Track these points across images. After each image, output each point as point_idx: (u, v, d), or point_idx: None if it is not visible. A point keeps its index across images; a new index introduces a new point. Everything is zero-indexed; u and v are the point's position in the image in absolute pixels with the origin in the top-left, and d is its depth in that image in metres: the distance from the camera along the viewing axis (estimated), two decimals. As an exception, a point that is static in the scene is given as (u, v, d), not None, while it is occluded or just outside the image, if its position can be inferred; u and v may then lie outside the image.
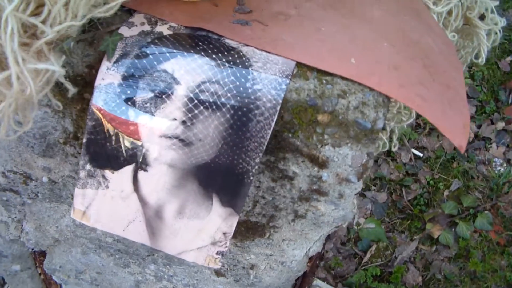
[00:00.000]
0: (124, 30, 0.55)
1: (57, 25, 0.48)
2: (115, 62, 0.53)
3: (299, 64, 0.54)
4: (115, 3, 0.49)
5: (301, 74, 0.53)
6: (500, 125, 2.10)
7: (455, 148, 2.04)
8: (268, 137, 0.52)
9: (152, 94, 0.53)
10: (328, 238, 1.88)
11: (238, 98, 0.52)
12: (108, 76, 0.53)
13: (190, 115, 0.52)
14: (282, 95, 0.51)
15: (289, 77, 0.52)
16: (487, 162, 2.02)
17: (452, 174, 1.95)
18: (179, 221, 0.57)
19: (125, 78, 0.53)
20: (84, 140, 0.56)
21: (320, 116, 0.53)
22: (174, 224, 0.57)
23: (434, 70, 0.60)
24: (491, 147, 2.06)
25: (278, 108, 0.51)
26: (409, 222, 1.87)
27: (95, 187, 0.58)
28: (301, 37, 0.56)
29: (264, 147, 0.52)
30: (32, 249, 0.89)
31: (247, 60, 0.53)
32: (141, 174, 0.56)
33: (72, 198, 0.61)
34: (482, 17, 0.84)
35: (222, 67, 0.52)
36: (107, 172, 0.56)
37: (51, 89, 0.55)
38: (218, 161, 0.53)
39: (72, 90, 0.54)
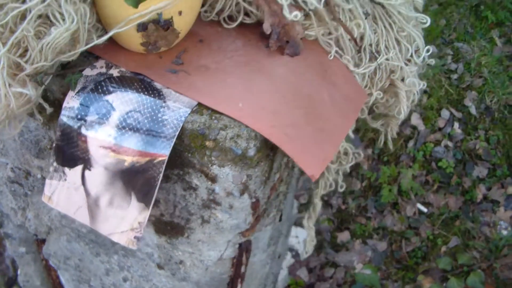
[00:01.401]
0: (87, 71, 0.79)
1: (34, 64, 0.72)
2: (77, 92, 0.77)
3: (200, 104, 0.75)
4: (73, 53, 0.73)
5: (199, 111, 0.75)
6: (511, 189, 2.18)
7: (460, 207, 2.14)
8: (168, 153, 0.73)
9: (97, 116, 0.76)
10: (323, 280, 2.02)
11: (151, 124, 0.74)
12: (71, 101, 0.77)
13: (119, 133, 0.75)
14: (181, 124, 0.73)
15: (188, 112, 0.74)
16: (492, 224, 2.11)
17: (452, 231, 2.05)
18: (110, 209, 0.79)
19: (81, 104, 0.77)
20: (54, 145, 0.80)
21: (207, 142, 0.73)
22: (106, 211, 0.79)
23: (314, 117, 0.80)
24: (498, 210, 2.14)
25: (177, 133, 0.73)
26: (403, 272, 1.99)
27: (58, 179, 0.81)
28: (209, 85, 0.78)
29: (166, 161, 0.74)
30: (35, 235, 1.13)
31: (163, 98, 0.75)
32: (87, 172, 0.78)
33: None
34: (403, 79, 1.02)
35: (144, 102, 0.75)
36: (66, 169, 0.79)
37: (37, 107, 0.79)
38: (135, 168, 0.75)
39: (49, 109, 0.78)
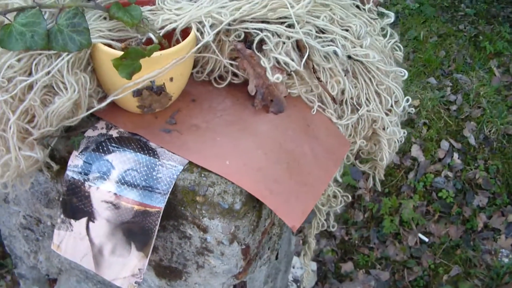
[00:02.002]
0: (89, 132, 0.88)
1: (41, 129, 0.81)
2: (80, 152, 0.86)
3: (191, 162, 0.83)
4: (75, 118, 0.82)
5: (189, 169, 0.83)
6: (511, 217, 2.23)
7: (461, 236, 2.19)
8: (163, 206, 0.81)
9: (98, 174, 0.84)
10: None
11: (147, 181, 0.82)
12: (75, 160, 0.86)
13: (119, 189, 0.83)
14: (173, 182, 0.81)
15: (180, 170, 0.82)
16: (493, 252, 2.15)
17: (454, 260, 2.10)
18: (112, 257, 0.87)
19: (84, 162, 0.85)
20: (61, 199, 0.88)
21: (198, 198, 0.82)
22: (110, 259, 0.87)
23: (297, 171, 0.88)
24: (499, 238, 2.19)
25: (170, 189, 0.81)
26: (407, 300, 2.04)
27: (65, 230, 0.89)
28: (199, 144, 0.86)
29: (161, 214, 0.82)
30: (47, 275, 1.21)
31: (158, 157, 0.84)
32: (91, 224, 0.87)
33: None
34: (385, 128, 1.09)
35: (141, 160, 0.83)
36: (72, 221, 0.88)
37: (45, 165, 0.88)
38: (134, 219, 0.83)
39: (55, 167, 0.87)
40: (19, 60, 0.79)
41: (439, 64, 2.74)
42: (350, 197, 1.20)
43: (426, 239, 2.18)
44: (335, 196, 1.18)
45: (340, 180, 1.17)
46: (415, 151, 2.36)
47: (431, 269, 2.10)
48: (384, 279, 2.10)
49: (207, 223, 0.83)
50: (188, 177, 0.82)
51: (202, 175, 0.82)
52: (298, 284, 2.09)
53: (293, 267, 2.10)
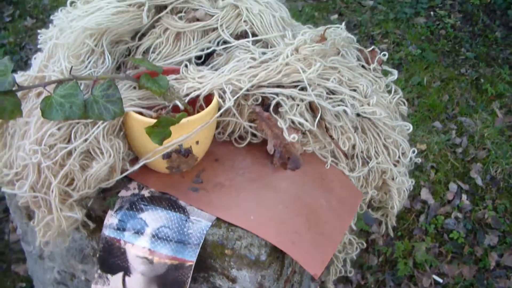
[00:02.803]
0: (123, 192, 0.95)
1: (80, 191, 0.89)
2: (115, 211, 0.94)
3: (218, 218, 0.91)
4: (111, 181, 0.90)
5: (217, 224, 0.90)
6: (523, 256, 2.27)
7: (474, 276, 2.22)
8: (195, 259, 0.88)
9: (133, 231, 0.92)
10: None
11: (179, 236, 0.89)
12: (111, 219, 0.93)
13: (153, 245, 0.90)
14: (203, 237, 0.88)
15: (209, 226, 0.89)
16: (507, 291, 2.18)
17: (469, 300, 2.13)
18: (146, 309, 0.93)
19: (120, 221, 0.93)
20: (97, 255, 0.95)
21: (226, 251, 0.89)
22: (144, 311, 0.94)
23: (315, 222, 0.95)
24: (512, 276, 2.22)
25: (200, 243, 0.88)
26: None
27: (102, 284, 0.96)
28: (225, 201, 0.93)
29: (193, 267, 0.89)
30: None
31: (188, 214, 0.91)
32: (126, 278, 0.93)
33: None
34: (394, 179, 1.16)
35: (172, 218, 0.91)
36: (109, 275, 0.95)
37: (82, 223, 0.96)
38: (168, 273, 0.90)
39: (92, 225, 0.95)
40: (59, 129, 0.87)
41: (443, 108, 2.82)
42: (364, 243, 1.27)
43: (441, 280, 2.22)
44: (350, 243, 1.24)
45: (354, 228, 1.23)
46: (425, 194, 2.42)
47: (447, 310, 2.13)
48: (401, 321, 2.13)
49: (235, 274, 0.90)
50: (217, 232, 0.89)
51: (230, 229, 0.90)
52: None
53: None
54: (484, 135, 2.63)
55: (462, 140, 2.63)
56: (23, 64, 3.34)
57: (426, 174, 2.49)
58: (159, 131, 0.87)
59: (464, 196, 2.42)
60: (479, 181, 2.47)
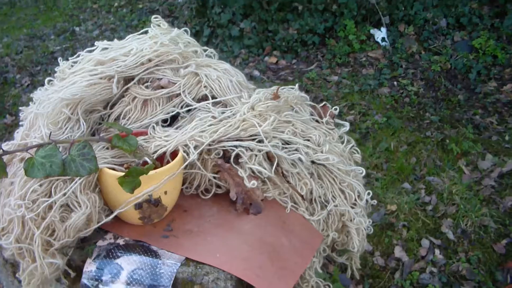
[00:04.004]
0: (100, 242, 1.04)
1: (60, 240, 0.98)
2: (93, 259, 1.02)
3: (187, 258, 1.00)
4: (89, 230, 1.00)
5: (186, 263, 0.99)
6: (500, 305, 2.32)
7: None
8: (165, 298, 0.96)
9: (110, 276, 1.00)
10: None
11: (152, 277, 0.98)
12: (89, 266, 1.02)
13: (129, 286, 0.98)
14: (174, 275, 0.97)
15: (178, 265, 0.98)
16: None
17: None
18: None
19: (97, 268, 1.01)
20: (77, 304, 1.03)
21: (195, 286, 0.97)
22: None
23: (277, 259, 1.04)
24: (491, 327, 2.27)
25: (171, 282, 0.96)
26: None
27: (81, 332, 1.02)
28: (193, 244, 1.03)
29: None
30: None
31: (159, 257, 1.00)
32: (104, 322, 1.00)
33: None
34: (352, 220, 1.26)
35: (145, 261, 0.99)
36: (87, 322, 1.02)
37: (63, 273, 1.03)
38: (142, 313, 0.98)
39: (72, 273, 1.03)
40: (41, 185, 0.98)
41: (411, 169, 2.96)
42: (331, 286, 1.34)
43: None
44: (318, 286, 1.32)
45: (320, 271, 1.32)
46: (398, 252, 2.50)
47: None
48: None
49: (204, 310, 0.98)
50: (186, 270, 0.98)
51: (198, 267, 0.98)
52: None
53: None
54: (453, 192, 2.75)
55: (431, 198, 2.75)
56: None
57: (398, 233, 2.58)
58: (130, 181, 0.98)
59: (437, 251, 2.50)
60: (450, 235, 2.56)
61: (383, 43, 4.18)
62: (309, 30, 4.23)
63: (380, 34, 4.20)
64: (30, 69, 4.28)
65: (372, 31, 4.22)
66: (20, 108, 1.26)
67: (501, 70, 3.98)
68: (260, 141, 1.15)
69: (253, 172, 1.13)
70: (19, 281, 1.04)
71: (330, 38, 4.32)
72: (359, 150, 1.35)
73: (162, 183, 1.02)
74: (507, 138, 3.20)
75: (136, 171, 0.98)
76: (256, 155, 1.14)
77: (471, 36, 4.17)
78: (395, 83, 3.90)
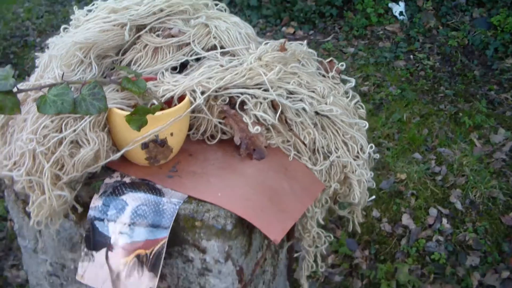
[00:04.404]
0: (107, 180, 1.09)
1: (69, 175, 1.02)
2: (100, 195, 1.06)
3: (189, 197, 1.04)
4: (96, 165, 1.04)
5: (189, 201, 1.03)
6: (505, 273, 2.34)
7: (457, 294, 2.30)
8: (170, 228, 1.00)
9: (115, 211, 1.04)
10: None
11: (155, 213, 1.02)
12: (96, 201, 1.06)
13: (132, 221, 1.03)
14: (176, 212, 1.01)
15: (181, 202, 1.02)
16: (490, 309, 2.25)
17: (453, 317, 2.20)
18: (128, 280, 1.04)
19: (103, 203, 1.06)
20: (84, 235, 1.08)
21: (196, 222, 1.01)
22: (125, 282, 1.04)
23: (277, 201, 1.07)
24: (495, 294, 2.29)
25: (173, 217, 1.00)
26: None
27: (87, 261, 1.07)
28: (196, 184, 1.06)
29: (168, 234, 1.00)
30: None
31: (162, 195, 1.04)
32: (109, 253, 1.05)
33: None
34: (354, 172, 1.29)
35: (149, 198, 1.04)
36: (94, 252, 1.06)
37: (71, 209, 1.08)
38: (146, 246, 1.02)
39: (80, 209, 1.07)
40: (52, 121, 1.02)
41: (423, 141, 2.97)
42: (332, 236, 1.38)
43: (424, 300, 2.29)
44: (319, 237, 1.36)
45: (322, 222, 1.35)
46: (406, 219, 2.52)
47: (432, 327, 2.19)
48: None
49: (205, 245, 1.02)
50: (188, 207, 1.02)
51: (199, 205, 1.02)
52: None
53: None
54: (463, 163, 2.76)
55: (441, 168, 2.76)
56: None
57: (406, 201, 2.60)
58: (137, 119, 1.02)
59: (444, 220, 2.53)
60: (458, 206, 2.58)
61: (401, 17, 4.15)
62: (327, 2, 4.21)
63: (398, 8, 4.16)
64: (50, 33, 4.32)
65: (390, 4, 4.19)
66: (36, 54, 1.30)
67: (520, 48, 3.94)
68: (266, 90, 1.18)
69: (257, 119, 1.16)
70: (29, 216, 1.09)
71: (348, 11, 4.30)
72: (364, 106, 1.37)
73: (168, 124, 1.06)
74: (521, 114, 3.19)
75: (143, 109, 1.02)
76: (261, 103, 1.17)
77: (490, 13, 4.12)
78: (411, 56, 3.89)
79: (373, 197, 2.54)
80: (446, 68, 3.75)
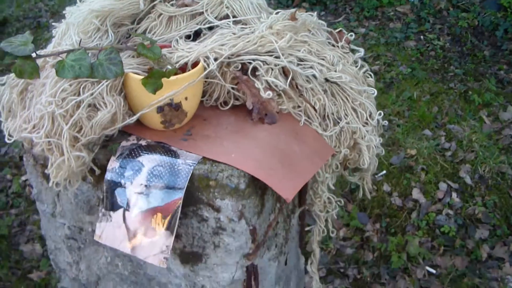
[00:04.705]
0: (123, 142, 1.12)
1: (87, 137, 1.06)
2: (116, 157, 1.10)
3: (204, 158, 1.07)
4: (113, 128, 1.08)
5: (203, 162, 1.06)
6: (514, 246, 2.38)
7: (466, 267, 2.33)
8: (185, 187, 1.04)
9: (132, 172, 1.08)
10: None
11: (170, 174, 1.06)
12: (113, 163, 1.10)
13: (148, 182, 1.07)
14: (191, 172, 1.05)
15: (195, 163, 1.06)
16: (499, 279, 2.28)
17: (461, 287, 2.23)
18: (145, 239, 1.08)
19: (120, 165, 1.09)
20: (102, 196, 1.12)
21: (211, 182, 1.04)
22: (142, 241, 1.08)
23: (288, 163, 1.10)
24: (504, 266, 2.32)
25: (188, 177, 1.04)
26: (420, 329, 2.15)
27: (105, 221, 1.11)
28: (210, 146, 1.10)
29: (184, 192, 1.04)
30: (85, 286, 1.41)
31: (178, 156, 1.08)
32: (126, 213, 1.09)
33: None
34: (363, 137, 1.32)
35: (165, 159, 1.07)
36: (111, 212, 1.11)
37: (89, 171, 1.12)
38: (162, 206, 1.06)
39: (97, 171, 1.11)
40: (70, 85, 1.05)
41: (433, 118, 2.98)
42: (342, 201, 1.41)
43: (434, 271, 2.32)
44: (330, 202, 1.39)
45: (333, 188, 1.38)
46: (416, 194, 2.55)
47: (441, 298, 2.23)
48: (397, 311, 2.23)
49: (219, 204, 1.06)
50: (202, 167, 1.06)
51: (213, 165, 1.06)
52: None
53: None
54: (472, 140, 2.78)
55: (451, 144, 2.78)
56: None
57: (416, 176, 2.63)
58: (152, 82, 1.05)
59: (454, 194, 2.55)
60: (468, 180, 2.60)
61: (412, -2, 4.14)
62: (337, -18, 4.20)
63: (409, -13, 4.15)
64: (63, 15, 4.36)
65: (401, -16, 4.18)
66: (53, 24, 1.33)
67: (531, 28, 3.92)
68: (277, 57, 1.20)
69: (269, 85, 1.19)
70: (48, 180, 1.13)
71: (358, -9, 4.29)
72: (372, 75, 1.39)
73: (182, 88, 1.09)
74: (531, 91, 3.19)
75: (158, 73, 1.05)
76: (272, 69, 1.19)
77: (500, -5, 4.10)
78: (421, 37, 3.89)
79: (384, 171, 2.59)
80: (456, 48, 3.74)
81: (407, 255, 2.37)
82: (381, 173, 2.57)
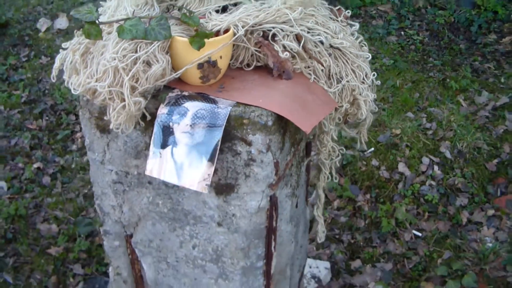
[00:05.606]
0: (169, 94, 1.38)
1: (143, 86, 1.31)
2: (165, 105, 1.35)
3: (238, 102, 1.33)
4: (164, 79, 1.33)
5: (237, 105, 1.32)
6: (490, 212, 2.66)
7: (449, 230, 2.61)
8: (223, 125, 1.29)
9: (178, 116, 1.33)
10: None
11: (211, 115, 1.31)
12: (162, 109, 1.35)
13: (193, 122, 1.32)
14: (228, 112, 1.30)
15: (231, 106, 1.31)
16: (478, 240, 2.56)
17: (445, 247, 2.51)
18: (190, 169, 1.33)
19: (169, 111, 1.34)
20: (152, 137, 1.36)
21: (244, 121, 1.30)
22: (187, 171, 1.33)
23: (305, 106, 1.37)
24: (482, 229, 2.61)
25: (226, 117, 1.30)
26: (410, 283, 2.42)
27: (155, 157, 1.36)
28: (241, 95, 1.36)
29: (221, 135, 1.29)
30: (125, 232, 1.65)
31: (216, 102, 1.33)
32: (174, 149, 1.34)
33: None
34: (361, 94, 1.58)
35: (205, 105, 1.33)
36: (161, 150, 1.35)
37: (140, 117, 1.37)
38: (203, 141, 1.31)
39: (148, 116, 1.36)
40: (129, 45, 1.30)
41: (415, 102, 3.27)
42: (344, 149, 1.67)
43: (420, 234, 2.60)
44: (334, 150, 1.65)
45: (336, 138, 1.64)
46: (401, 167, 2.83)
47: (427, 256, 2.49)
48: (388, 269, 2.49)
49: (251, 138, 1.31)
50: (237, 109, 1.31)
51: (246, 108, 1.32)
52: (316, 279, 2.48)
53: (310, 267, 2.50)
54: (451, 120, 3.07)
55: (432, 124, 3.07)
56: (41, 94, 3.79)
57: (401, 152, 2.91)
58: (198, 41, 1.30)
59: (435, 167, 2.84)
60: (448, 155, 2.89)
61: (392, -4, 4.44)
62: (322, -17, 4.49)
63: (389, -13, 4.46)
64: (62, 16, 4.58)
65: (382, -16, 4.48)
66: (100, 2, 1.58)
67: (501, 25, 4.27)
68: (291, 26, 1.47)
69: (285, 48, 1.45)
70: (102, 131, 1.38)
71: (342, -9, 4.59)
72: (366, 44, 1.66)
73: (219, 48, 1.35)
74: (502, 80, 3.51)
75: (202, 33, 1.31)
76: (287, 35, 1.46)
77: (474, -7, 4.44)
78: (402, 33, 4.19)
79: (372, 149, 2.87)
80: (434, 42, 4.05)
81: (396, 220, 2.64)
82: (370, 150, 2.84)
